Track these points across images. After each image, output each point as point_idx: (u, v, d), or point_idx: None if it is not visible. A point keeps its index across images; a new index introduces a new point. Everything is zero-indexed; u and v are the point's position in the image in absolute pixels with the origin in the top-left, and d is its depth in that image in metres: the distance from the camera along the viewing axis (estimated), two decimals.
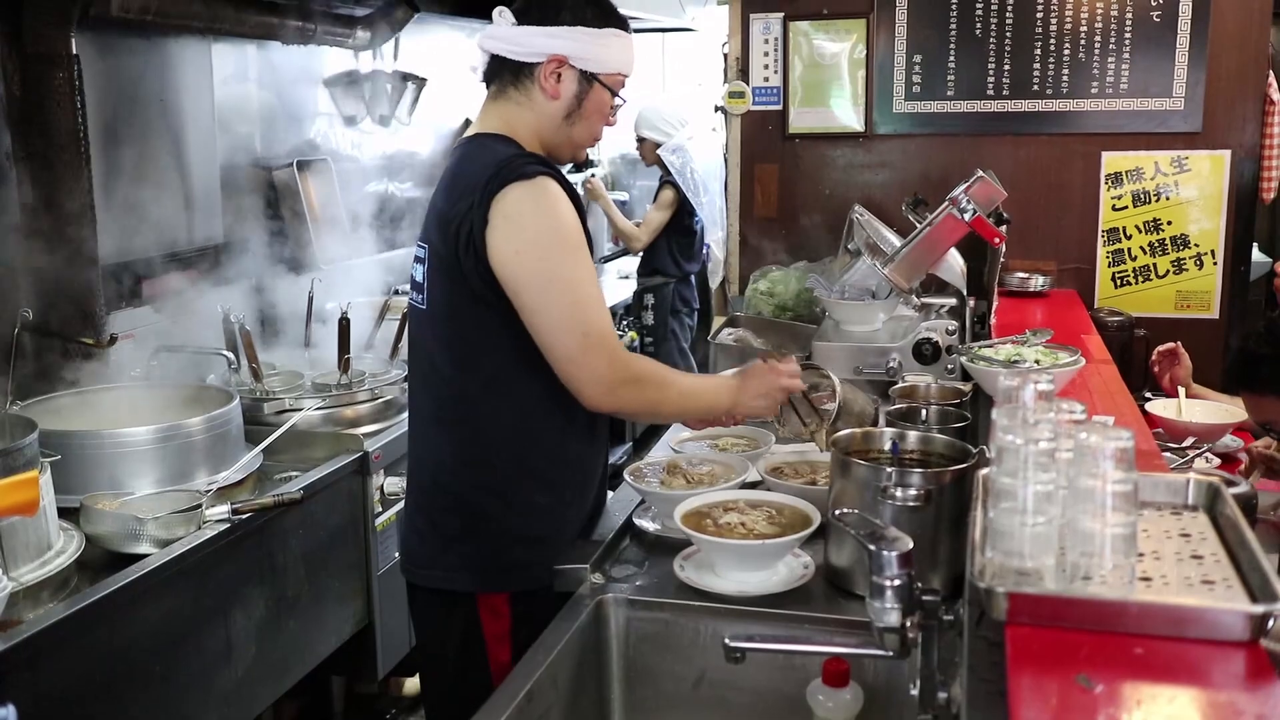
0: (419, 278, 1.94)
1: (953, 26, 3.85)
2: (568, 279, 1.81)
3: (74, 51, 2.73)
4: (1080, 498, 1.15)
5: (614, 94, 1.97)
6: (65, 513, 2.21)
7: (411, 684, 3.33)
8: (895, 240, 3.08)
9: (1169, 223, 3.81)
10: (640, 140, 5.40)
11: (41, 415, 2.29)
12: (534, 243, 1.79)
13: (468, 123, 2.59)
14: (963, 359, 2.40)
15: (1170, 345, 3.11)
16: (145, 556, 2.18)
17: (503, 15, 1.91)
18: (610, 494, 2.18)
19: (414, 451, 2.03)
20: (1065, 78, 3.78)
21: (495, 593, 1.92)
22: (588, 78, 1.92)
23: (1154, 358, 3.15)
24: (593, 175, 5.85)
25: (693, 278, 5.52)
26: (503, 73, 1.94)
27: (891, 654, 1.33)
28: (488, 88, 1.99)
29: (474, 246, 1.79)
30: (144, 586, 2.12)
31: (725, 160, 4.38)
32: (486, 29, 1.93)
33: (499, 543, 1.92)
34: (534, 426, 1.90)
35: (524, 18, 1.90)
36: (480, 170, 1.82)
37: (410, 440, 2.05)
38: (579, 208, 1.88)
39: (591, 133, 1.99)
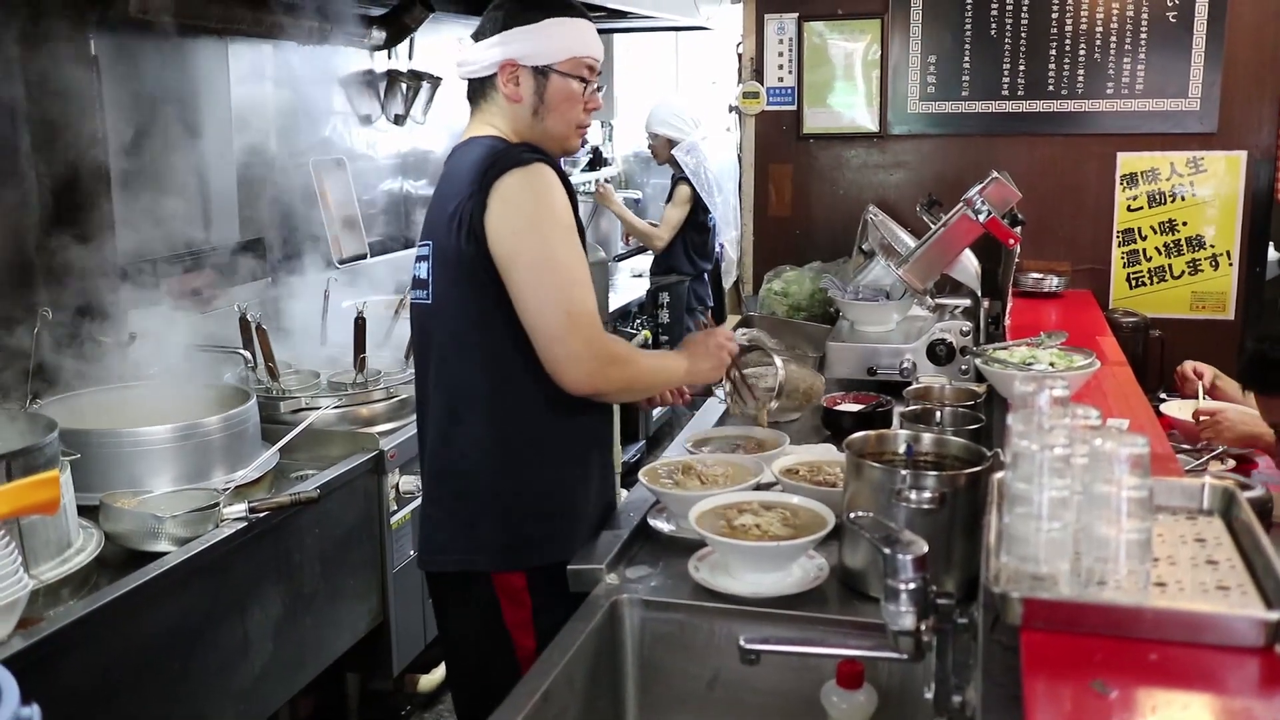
0: (423, 274, 1.99)
1: (967, 26, 3.85)
2: (558, 260, 1.86)
3: (93, 53, 2.75)
4: (1095, 503, 1.16)
5: (579, 80, 2.01)
6: (85, 511, 2.23)
7: (427, 680, 3.33)
8: (910, 241, 3.09)
9: (1184, 224, 3.81)
10: (653, 137, 5.39)
11: (61, 414, 2.30)
12: (530, 224, 1.86)
13: None
14: (977, 360, 2.40)
15: (1191, 367, 3.03)
16: (164, 554, 2.20)
17: (463, 43, 2.03)
18: (625, 493, 2.19)
19: (427, 445, 2.05)
20: (1080, 78, 3.78)
21: (511, 571, 1.95)
22: (541, 72, 1.98)
23: (1186, 371, 3.06)
24: (605, 181, 5.84)
25: (706, 275, 5.51)
26: (473, 92, 2.05)
27: (906, 657, 1.34)
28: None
29: (474, 233, 1.85)
30: (162, 584, 2.14)
31: (739, 160, 4.38)
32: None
33: (516, 521, 1.96)
34: (547, 405, 1.93)
35: (477, 38, 2.01)
36: (478, 162, 1.89)
37: (422, 435, 2.08)
38: (571, 195, 1.94)
39: (567, 121, 2.03)
